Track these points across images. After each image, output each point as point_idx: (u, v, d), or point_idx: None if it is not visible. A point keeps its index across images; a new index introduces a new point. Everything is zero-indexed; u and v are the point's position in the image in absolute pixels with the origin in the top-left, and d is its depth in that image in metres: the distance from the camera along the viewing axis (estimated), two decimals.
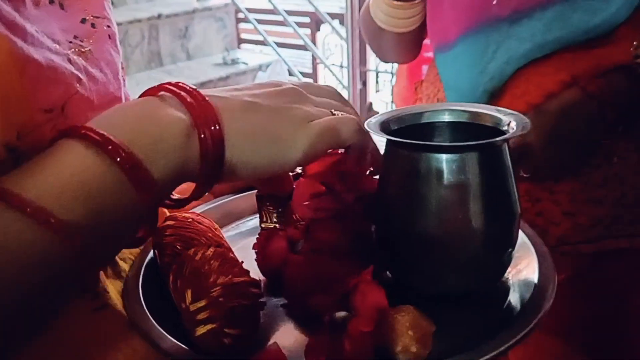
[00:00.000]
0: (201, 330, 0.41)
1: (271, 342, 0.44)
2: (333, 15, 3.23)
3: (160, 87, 0.41)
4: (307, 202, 0.49)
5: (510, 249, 0.47)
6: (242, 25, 3.60)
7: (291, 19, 3.20)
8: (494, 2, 0.81)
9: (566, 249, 0.88)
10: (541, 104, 0.81)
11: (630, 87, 0.79)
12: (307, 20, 3.49)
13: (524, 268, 0.50)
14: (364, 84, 3.22)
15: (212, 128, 0.38)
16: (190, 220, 0.51)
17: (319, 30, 3.56)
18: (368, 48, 3.07)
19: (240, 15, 3.40)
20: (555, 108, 0.79)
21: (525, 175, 0.84)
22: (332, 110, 0.45)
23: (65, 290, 0.35)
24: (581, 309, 0.92)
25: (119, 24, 2.18)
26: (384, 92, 3.59)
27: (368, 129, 0.47)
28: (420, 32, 0.98)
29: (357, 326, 0.40)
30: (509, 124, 0.46)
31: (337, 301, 0.43)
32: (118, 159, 0.35)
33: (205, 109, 0.39)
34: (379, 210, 0.48)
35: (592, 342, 0.93)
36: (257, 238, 0.52)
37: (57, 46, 0.43)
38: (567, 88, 0.80)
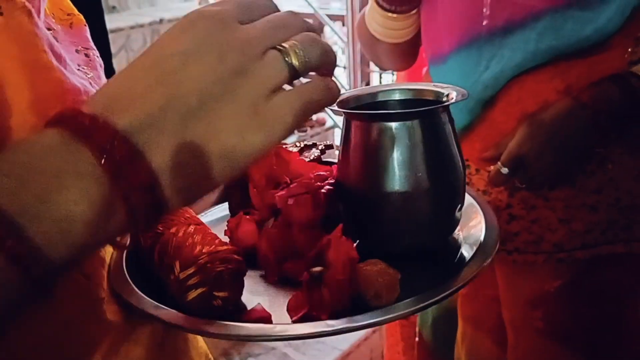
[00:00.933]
0: (192, 294, 0.45)
1: (255, 304, 0.48)
2: (334, 17, 3.23)
3: (72, 120, 0.30)
4: (280, 193, 0.54)
5: (458, 206, 0.53)
6: None
7: None
8: (486, 15, 0.82)
9: (562, 255, 0.88)
10: (535, 113, 0.81)
11: (623, 95, 0.79)
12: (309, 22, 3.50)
13: (473, 226, 0.56)
14: (367, 84, 3.22)
15: (144, 191, 0.29)
16: None
17: (322, 31, 3.56)
18: None
19: None
20: (549, 119, 0.80)
21: (521, 185, 0.85)
22: (283, 45, 0.34)
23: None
24: (579, 313, 0.92)
25: (121, 30, 2.20)
26: None
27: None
28: (416, 41, 0.98)
29: (334, 276, 0.45)
30: (448, 95, 0.53)
31: (309, 265, 0.47)
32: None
33: (132, 165, 0.29)
34: (340, 177, 0.54)
35: (590, 346, 0.93)
36: (227, 224, 0.57)
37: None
38: (561, 97, 0.81)
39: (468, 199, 0.58)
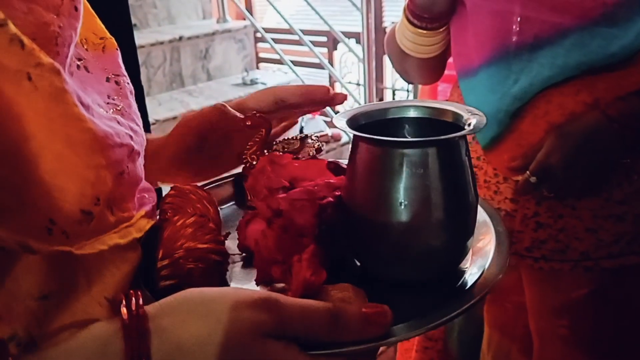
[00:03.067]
0: (163, 284, 0.48)
1: None
2: (349, 34, 3.28)
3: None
4: (283, 195, 0.53)
5: (467, 239, 0.50)
6: (261, 45, 3.66)
7: (309, 38, 3.26)
8: (515, 31, 0.85)
9: (589, 264, 0.90)
10: (563, 125, 0.84)
11: None
12: (324, 39, 3.55)
13: (483, 247, 0.53)
14: (381, 101, 3.27)
15: None
16: (188, 191, 0.56)
17: (336, 49, 3.61)
18: (384, 66, 3.13)
19: (259, 35, 3.46)
20: (577, 131, 0.82)
21: (549, 194, 0.87)
22: None
23: None
24: (604, 322, 0.94)
25: (142, 47, 2.25)
26: None
27: (336, 123, 0.50)
28: (444, 57, 1.01)
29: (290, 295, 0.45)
30: (468, 121, 0.49)
31: (289, 273, 0.49)
32: None
33: None
34: (346, 199, 0.51)
35: (615, 355, 0.94)
36: (239, 221, 0.58)
37: (104, 111, 0.46)
38: (588, 110, 0.83)
39: (483, 215, 0.55)
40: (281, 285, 0.50)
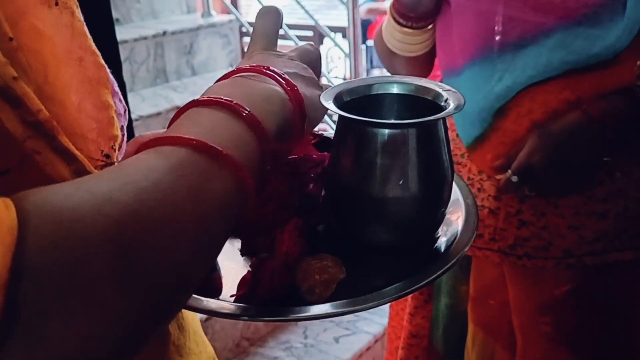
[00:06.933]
0: None
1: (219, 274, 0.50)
2: (335, 29, 3.27)
3: (250, 69, 0.47)
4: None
5: (442, 209, 0.54)
6: (246, 40, 3.64)
7: (294, 33, 3.25)
8: (499, 31, 0.85)
9: (571, 261, 0.91)
10: (545, 124, 0.84)
11: (631, 109, 0.82)
12: (310, 33, 3.54)
13: (454, 220, 0.56)
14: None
15: (297, 96, 0.47)
16: None
17: (322, 43, 3.61)
18: (370, 61, 3.14)
19: (245, 30, 3.44)
20: (559, 131, 0.83)
21: (530, 193, 0.88)
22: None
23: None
24: (587, 319, 0.94)
25: (125, 42, 2.21)
26: None
27: (324, 102, 0.52)
28: (431, 55, 1.02)
29: (270, 265, 0.46)
30: (446, 100, 0.52)
31: (272, 243, 0.49)
32: (244, 115, 0.41)
33: (289, 83, 0.47)
34: (333, 171, 0.54)
35: (598, 351, 0.95)
36: None
37: None
38: (570, 109, 0.84)
39: (455, 192, 0.58)
40: (265, 255, 0.50)
